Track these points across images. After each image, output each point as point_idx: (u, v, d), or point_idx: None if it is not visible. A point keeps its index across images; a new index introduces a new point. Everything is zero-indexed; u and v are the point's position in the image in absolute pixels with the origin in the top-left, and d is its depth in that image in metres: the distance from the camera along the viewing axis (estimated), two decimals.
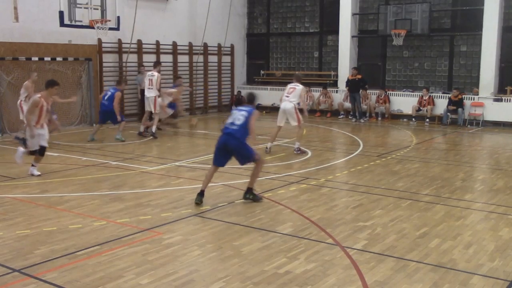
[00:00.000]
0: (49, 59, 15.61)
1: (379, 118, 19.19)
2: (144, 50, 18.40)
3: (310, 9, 21.63)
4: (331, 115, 20.11)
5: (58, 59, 15.90)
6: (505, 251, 6.00)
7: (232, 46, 21.94)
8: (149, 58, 18.41)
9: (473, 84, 18.31)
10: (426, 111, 18.12)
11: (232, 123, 7.76)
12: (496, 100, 17.42)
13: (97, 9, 15.45)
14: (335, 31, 20.46)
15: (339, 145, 14.68)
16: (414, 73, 19.63)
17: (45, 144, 9.73)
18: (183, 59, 19.89)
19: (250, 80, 22.92)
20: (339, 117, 19.79)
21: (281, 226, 6.85)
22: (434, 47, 19.14)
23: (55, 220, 7.00)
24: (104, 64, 17.26)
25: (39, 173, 9.71)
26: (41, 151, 9.67)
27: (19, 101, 13.16)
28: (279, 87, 20.27)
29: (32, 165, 9.75)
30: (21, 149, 9.67)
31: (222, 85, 21.74)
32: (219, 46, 21.25)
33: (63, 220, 7.00)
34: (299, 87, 12.05)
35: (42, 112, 9.54)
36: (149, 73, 14.75)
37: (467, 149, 13.56)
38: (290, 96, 11.95)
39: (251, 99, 8.36)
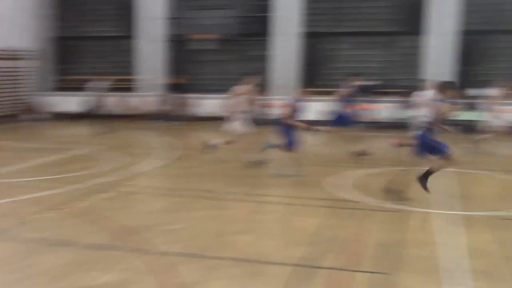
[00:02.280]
0: None
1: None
2: None
3: (117, 13, 21.10)
4: (143, 120, 19.63)
5: None
6: (303, 240, 6.47)
7: (30, 50, 20.34)
8: None
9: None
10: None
11: None
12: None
13: None
14: (141, 35, 20.31)
15: (154, 150, 14.35)
16: (225, 77, 19.83)
17: None
18: None
19: (51, 87, 21.58)
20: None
21: (86, 237, 6.50)
22: (245, 51, 19.98)
23: None
24: None
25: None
26: None
27: None
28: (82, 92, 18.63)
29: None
30: None
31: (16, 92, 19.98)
32: (13, 50, 19.50)
33: None
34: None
35: None
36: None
37: None
38: None
39: None
